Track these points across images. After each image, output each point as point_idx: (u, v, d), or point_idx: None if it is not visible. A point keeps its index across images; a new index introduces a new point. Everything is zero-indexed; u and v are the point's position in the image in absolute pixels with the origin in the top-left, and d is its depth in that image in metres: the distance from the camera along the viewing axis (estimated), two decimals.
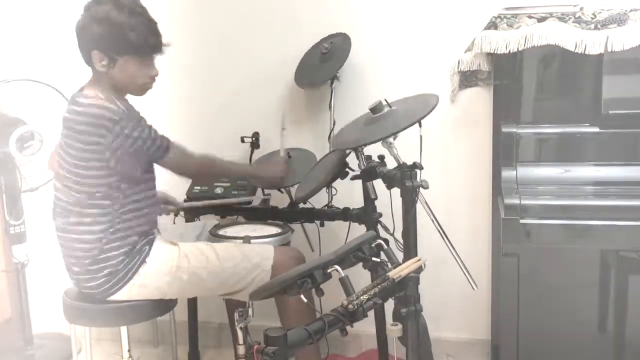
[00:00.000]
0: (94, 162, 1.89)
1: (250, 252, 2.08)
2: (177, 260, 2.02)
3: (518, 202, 2.06)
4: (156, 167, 2.05)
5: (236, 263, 2.04)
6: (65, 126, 1.94)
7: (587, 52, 2.10)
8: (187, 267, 2.02)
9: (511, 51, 2.17)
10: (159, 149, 1.96)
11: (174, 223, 2.44)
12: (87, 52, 1.93)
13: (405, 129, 1.78)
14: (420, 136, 1.80)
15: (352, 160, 2.18)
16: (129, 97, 2.03)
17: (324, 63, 2.53)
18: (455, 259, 1.82)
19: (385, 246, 1.62)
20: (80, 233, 1.95)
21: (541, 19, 2.19)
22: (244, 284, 2.04)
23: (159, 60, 2.03)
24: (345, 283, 1.45)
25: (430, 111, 1.80)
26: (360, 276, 1.73)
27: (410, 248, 1.80)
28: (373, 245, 1.60)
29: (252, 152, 2.56)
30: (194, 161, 2.10)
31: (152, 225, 2.06)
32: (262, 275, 2.04)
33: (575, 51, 2.11)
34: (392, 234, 2.19)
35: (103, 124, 1.86)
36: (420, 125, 1.77)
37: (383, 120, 1.91)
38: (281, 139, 2.46)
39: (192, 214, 2.48)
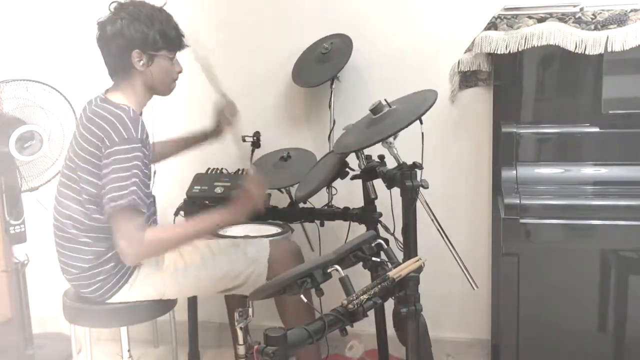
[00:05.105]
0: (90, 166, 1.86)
1: (246, 247, 2.08)
2: (173, 260, 2.02)
3: (518, 201, 2.07)
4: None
5: (232, 259, 2.04)
6: (81, 129, 1.90)
7: (587, 52, 2.10)
8: (182, 266, 2.02)
9: (511, 51, 2.18)
10: (113, 198, 1.77)
11: (174, 222, 2.43)
12: (125, 53, 1.88)
13: (405, 127, 1.77)
14: (422, 133, 1.79)
15: (352, 160, 2.18)
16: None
17: (323, 63, 2.52)
18: (455, 259, 1.81)
19: (385, 246, 1.61)
20: (76, 243, 1.93)
21: (541, 20, 2.19)
22: (241, 279, 2.04)
23: None
24: (345, 283, 1.45)
25: (429, 107, 1.77)
26: (360, 276, 1.73)
27: (410, 248, 1.80)
28: (373, 245, 1.60)
29: (252, 152, 2.56)
30: (140, 242, 1.80)
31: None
32: (259, 269, 2.04)
33: (575, 51, 2.11)
34: (392, 234, 2.19)
35: (109, 129, 1.82)
36: (421, 122, 1.76)
37: (384, 121, 1.90)
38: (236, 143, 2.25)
39: (191, 214, 2.48)
